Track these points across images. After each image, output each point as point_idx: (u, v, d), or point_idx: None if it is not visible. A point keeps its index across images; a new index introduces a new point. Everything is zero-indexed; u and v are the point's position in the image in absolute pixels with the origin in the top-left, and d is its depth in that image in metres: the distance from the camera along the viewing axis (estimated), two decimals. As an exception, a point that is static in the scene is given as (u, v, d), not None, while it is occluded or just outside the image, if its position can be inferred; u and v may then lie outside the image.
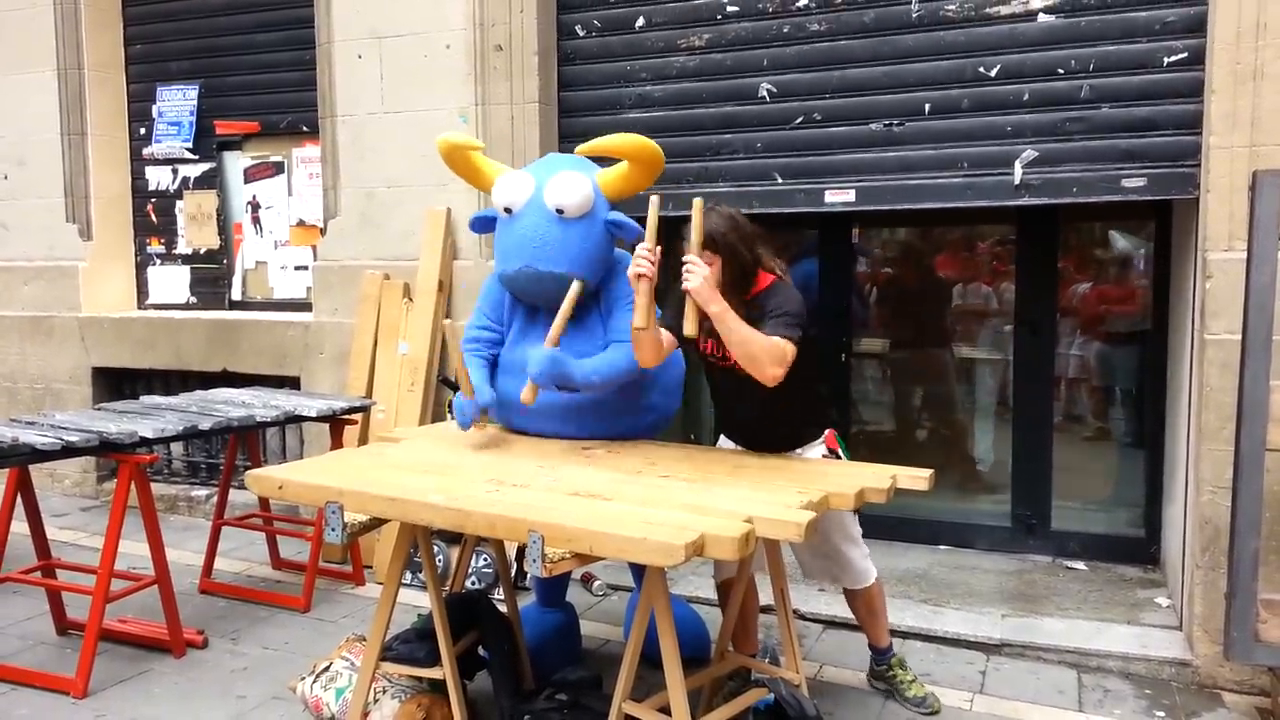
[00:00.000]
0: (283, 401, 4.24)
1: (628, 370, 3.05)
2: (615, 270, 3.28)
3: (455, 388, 4.67)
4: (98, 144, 5.94)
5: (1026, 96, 3.93)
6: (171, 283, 6.13)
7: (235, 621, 4.08)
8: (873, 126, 4.18)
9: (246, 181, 5.85)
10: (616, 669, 2.71)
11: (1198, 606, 3.52)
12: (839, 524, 3.12)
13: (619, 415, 3.20)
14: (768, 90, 4.35)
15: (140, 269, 6.21)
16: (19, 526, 3.75)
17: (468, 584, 4.02)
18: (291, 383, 5.25)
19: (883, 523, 4.62)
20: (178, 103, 5.91)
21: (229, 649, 3.80)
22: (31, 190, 6.00)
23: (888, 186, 4.16)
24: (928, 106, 4.09)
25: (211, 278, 6.01)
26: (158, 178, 6.08)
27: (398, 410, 4.78)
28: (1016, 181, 3.94)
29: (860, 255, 5.35)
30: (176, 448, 5.88)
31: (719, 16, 4.42)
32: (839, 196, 4.24)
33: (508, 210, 3.18)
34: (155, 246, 6.16)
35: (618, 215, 3.18)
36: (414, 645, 3.03)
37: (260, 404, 4.13)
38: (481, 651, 3.20)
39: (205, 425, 3.73)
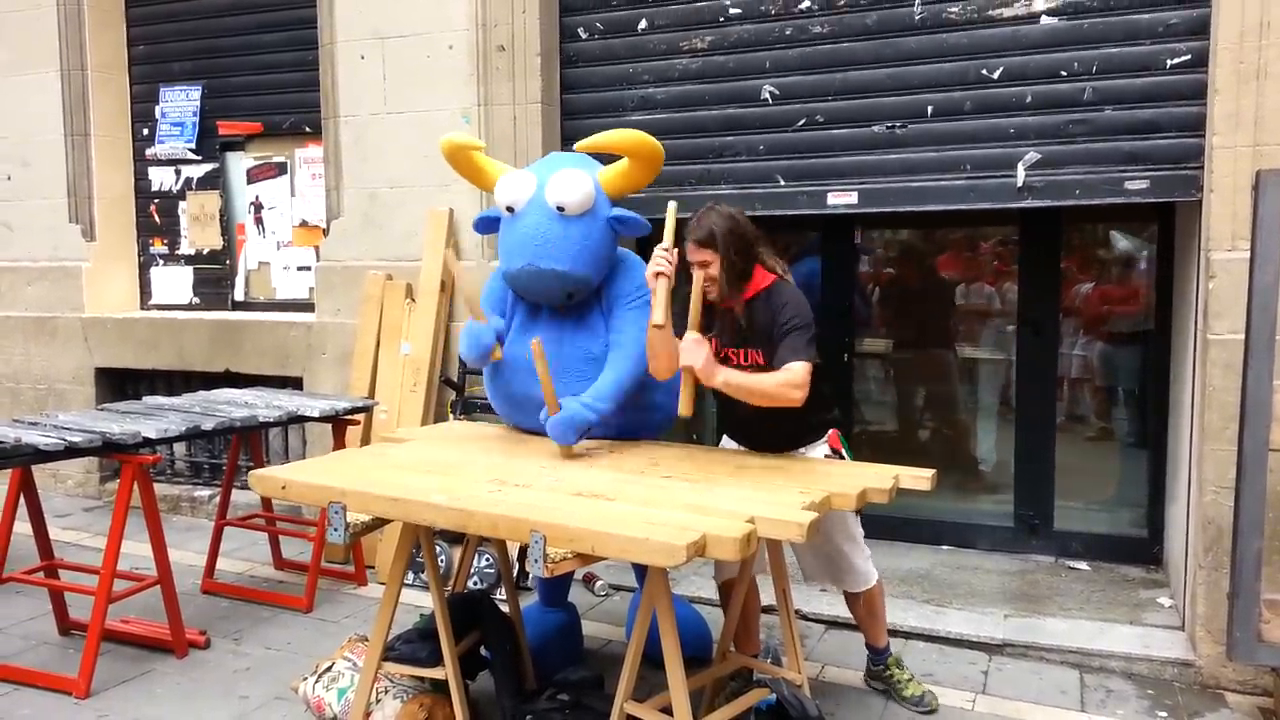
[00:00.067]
0: (285, 402, 4.24)
1: (634, 383, 3.07)
2: (619, 268, 3.28)
3: (457, 388, 4.70)
4: (101, 145, 5.95)
5: (1029, 99, 3.93)
6: (174, 283, 6.13)
7: (238, 622, 4.08)
8: (875, 129, 4.18)
9: (249, 182, 5.85)
10: (618, 669, 2.71)
11: (1200, 607, 3.52)
12: (841, 525, 3.13)
13: (625, 414, 3.20)
14: (770, 92, 4.35)
15: (143, 269, 6.22)
16: (22, 527, 3.76)
17: (470, 584, 4.03)
18: (294, 383, 5.25)
19: (885, 523, 4.62)
20: (181, 103, 5.92)
21: (231, 649, 3.81)
22: (35, 191, 6.01)
23: (890, 189, 4.16)
24: (930, 109, 4.09)
25: (214, 278, 6.02)
26: (161, 178, 6.09)
27: (400, 410, 4.78)
28: (1019, 184, 3.93)
29: (862, 255, 5.35)
30: (179, 448, 5.89)
31: (721, 19, 4.42)
32: (841, 199, 4.24)
33: (510, 209, 3.19)
34: (158, 247, 6.17)
35: (620, 211, 3.19)
36: (416, 645, 3.03)
37: (263, 404, 4.14)
38: (483, 651, 3.20)
39: (208, 426, 3.73)
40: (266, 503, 4.72)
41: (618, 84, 4.63)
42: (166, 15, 5.90)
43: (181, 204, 6.05)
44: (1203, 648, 3.51)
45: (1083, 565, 4.58)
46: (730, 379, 2.88)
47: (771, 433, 3.10)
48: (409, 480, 2.72)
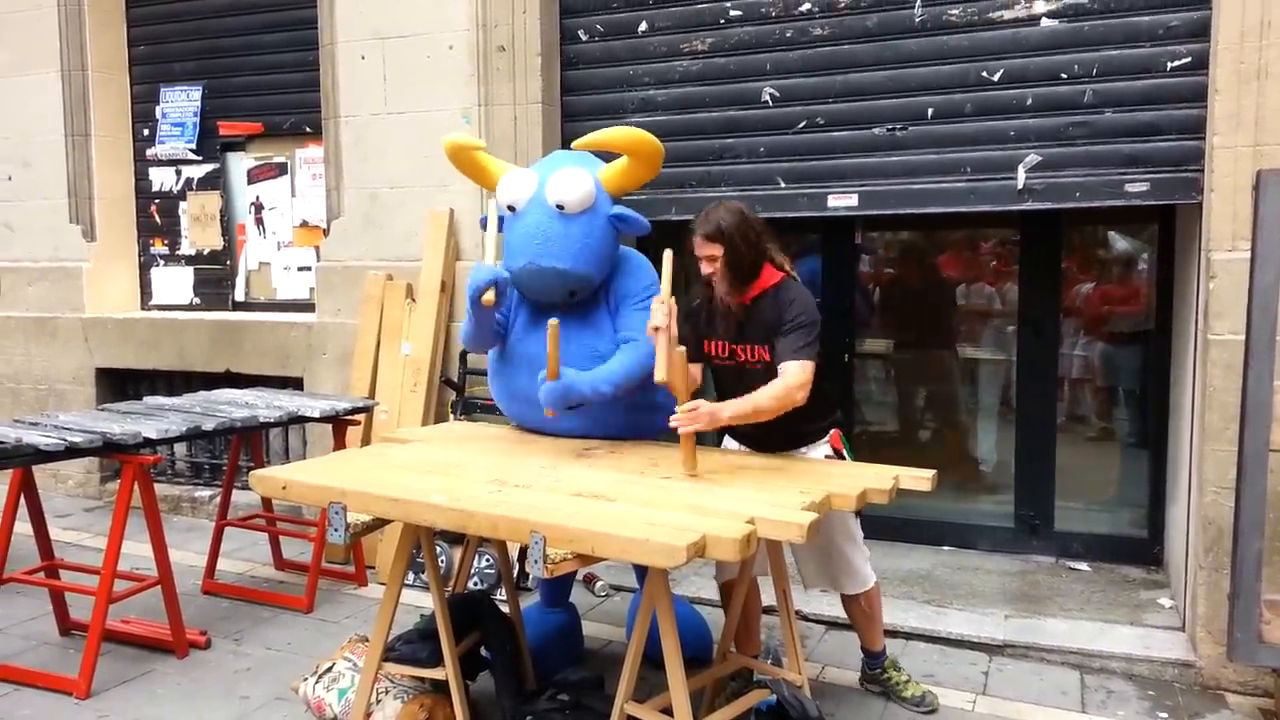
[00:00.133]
0: (286, 402, 4.24)
1: (641, 373, 3.07)
2: (624, 267, 3.29)
3: (458, 388, 4.70)
4: (101, 145, 5.95)
5: (1030, 101, 3.93)
6: (175, 283, 6.14)
7: (238, 622, 4.08)
8: (875, 131, 4.18)
9: (250, 182, 5.86)
10: (619, 670, 2.71)
11: (1201, 607, 3.52)
12: (842, 525, 3.13)
13: (629, 413, 3.20)
14: (770, 94, 4.35)
15: (144, 270, 6.22)
16: (22, 527, 3.76)
17: (470, 584, 4.03)
18: (294, 383, 5.26)
19: (886, 524, 4.63)
20: (181, 104, 5.92)
21: (232, 649, 3.81)
22: (36, 191, 6.01)
23: (890, 191, 4.16)
24: (930, 111, 4.08)
25: (215, 278, 6.02)
26: (161, 179, 6.09)
27: (400, 411, 4.78)
28: (1019, 186, 3.93)
29: (863, 255, 5.35)
30: (180, 448, 5.89)
31: (722, 21, 4.42)
32: (842, 201, 4.24)
33: (511, 209, 3.19)
34: (159, 247, 6.17)
35: (621, 209, 3.19)
36: (416, 646, 3.03)
37: (263, 405, 4.14)
38: (484, 652, 3.20)
39: (209, 426, 3.73)
40: (267, 503, 4.72)
41: (618, 86, 4.63)
42: (167, 15, 5.91)
43: (182, 204, 6.05)
44: (1203, 648, 3.51)
45: (1083, 566, 4.57)
46: (735, 411, 2.88)
47: (774, 433, 3.10)
48: (409, 481, 2.72)
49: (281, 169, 5.75)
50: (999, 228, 5.04)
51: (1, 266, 6.15)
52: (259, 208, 5.85)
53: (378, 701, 3.00)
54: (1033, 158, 3.91)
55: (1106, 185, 3.83)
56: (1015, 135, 3.95)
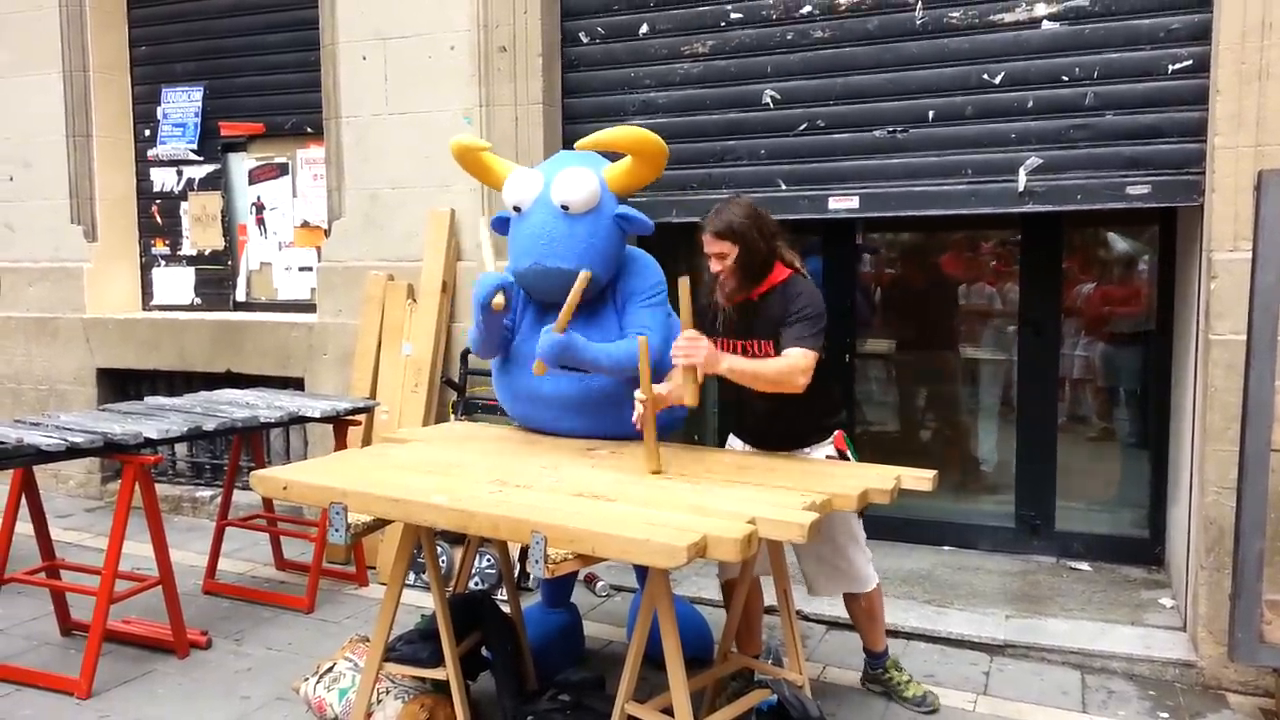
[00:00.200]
0: (287, 402, 4.25)
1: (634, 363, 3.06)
2: (630, 266, 3.29)
3: (458, 388, 4.70)
4: (103, 145, 5.95)
5: (1031, 103, 3.93)
6: (176, 284, 6.14)
7: (239, 622, 4.08)
8: (876, 133, 4.18)
9: (251, 183, 5.86)
10: (619, 670, 2.71)
11: (1202, 607, 3.51)
12: (844, 526, 3.12)
13: (630, 414, 3.19)
14: (771, 97, 4.35)
15: (145, 270, 6.22)
16: (23, 527, 3.77)
17: (471, 584, 4.03)
18: (295, 384, 5.26)
19: (887, 524, 4.62)
20: (182, 104, 5.92)
21: (233, 650, 3.81)
22: (37, 192, 6.01)
23: (891, 193, 4.16)
24: (932, 113, 4.08)
25: (216, 279, 6.02)
26: (162, 179, 6.10)
27: (401, 411, 4.79)
28: (1021, 188, 3.93)
29: (863, 255, 5.35)
30: (181, 449, 5.89)
31: (722, 23, 4.42)
32: (843, 203, 4.24)
33: (517, 209, 3.20)
34: (160, 248, 6.18)
35: (625, 209, 3.19)
36: (417, 646, 3.03)
37: (264, 405, 4.14)
38: (485, 652, 3.20)
39: (209, 426, 3.73)
40: (268, 503, 4.72)
41: (619, 88, 4.63)
42: (168, 16, 5.91)
43: (183, 205, 6.06)
44: (1204, 648, 3.51)
45: (1084, 566, 4.57)
46: (734, 364, 2.86)
47: (781, 433, 3.10)
48: (410, 481, 2.72)
49: (283, 169, 5.76)
50: (1000, 228, 5.04)
51: (2, 267, 6.15)
52: (260, 208, 5.86)
53: (378, 701, 3.00)
54: (1034, 160, 3.91)
55: (1108, 188, 3.83)
56: (1016, 138, 3.95)
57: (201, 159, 5.94)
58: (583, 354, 3.02)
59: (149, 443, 3.53)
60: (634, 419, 2.86)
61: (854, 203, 4.22)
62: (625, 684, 2.64)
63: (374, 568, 4.63)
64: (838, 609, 3.84)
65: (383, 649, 2.93)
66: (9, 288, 6.13)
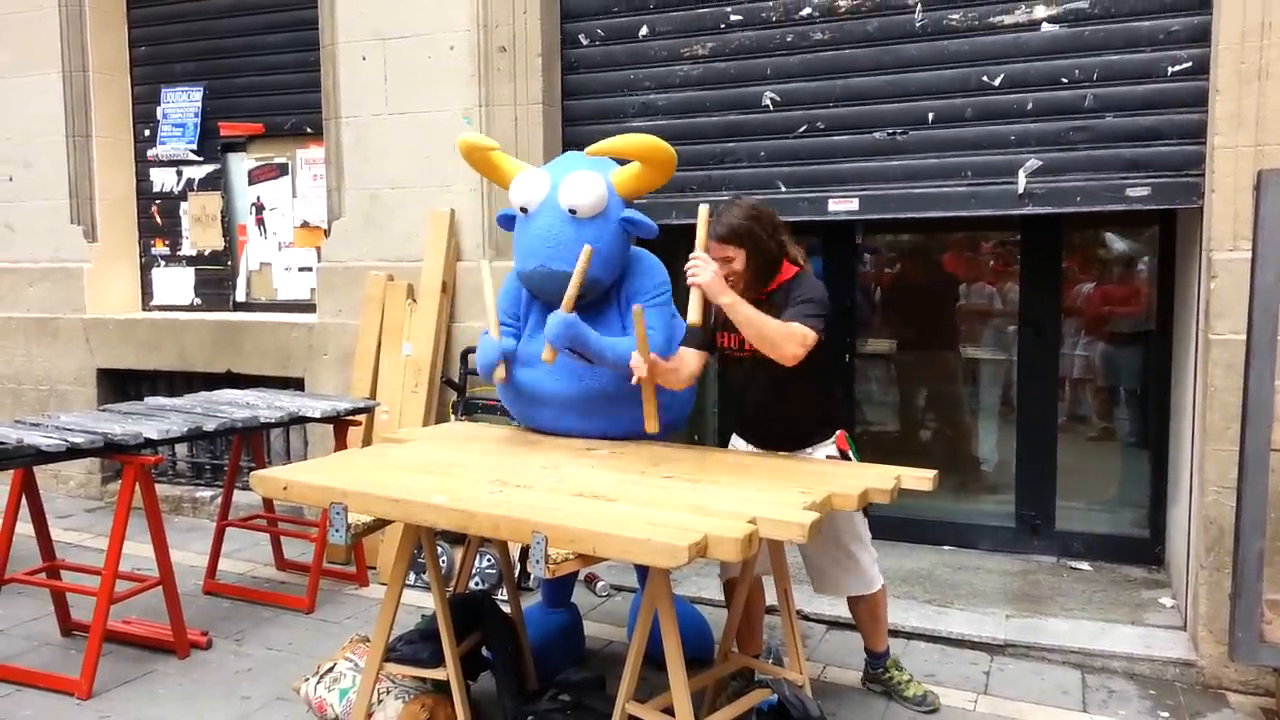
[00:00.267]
0: (287, 402, 4.25)
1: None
2: (636, 267, 3.29)
3: (459, 388, 4.71)
4: (102, 146, 5.95)
5: (1030, 105, 3.93)
6: (176, 284, 6.14)
7: (239, 622, 4.08)
8: (876, 135, 4.18)
9: (251, 183, 5.86)
10: (620, 670, 2.71)
11: (1202, 607, 3.52)
12: (849, 526, 3.12)
13: (631, 413, 3.20)
14: (771, 99, 4.35)
15: (145, 270, 6.22)
16: (24, 528, 3.76)
17: (471, 584, 4.03)
18: (295, 384, 5.26)
19: (887, 523, 4.62)
20: (182, 104, 5.92)
21: (233, 650, 3.81)
22: (37, 192, 6.01)
23: (891, 195, 4.16)
24: (931, 115, 4.08)
25: (216, 279, 6.02)
26: (162, 179, 6.10)
27: (401, 411, 4.79)
28: (1020, 190, 3.93)
29: (864, 255, 5.35)
30: (181, 449, 5.89)
31: (722, 25, 4.41)
32: (842, 205, 4.24)
33: (524, 209, 3.20)
34: (160, 248, 6.18)
35: (632, 213, 3.19)
36: (418, 646, 3.03)
37: (264, 405, 4.14)
38: (485, 652, 3.20)
39: (210, 426, 3.73)
40: (268, 503, 4.72)
41: (619, 90, 4.62)
42: (168, 17, 5.91)
43: (183, 205, 6.06)
44: (1205, 648, 3.51)
45: (1084, 565, 4.58)
46: (737, 304, 2.80)
47: (783, 433, 3.10)
48: (410, 481, 2.72)
49: (282, 169, 5.76)
50: (1000, 229, 5.04)
51: (2, 267, 6.15)
52: (260, 208, 5.86)
53: (379, 701, 3.00)
54: (1033, 162, 3.91)
55: (1107, 190, 3.83)
56: (1016, 140, 3.95)
57: (201, 159, 5.94)
58: (588, 338, 3.03)
59: (149, 443, 3.53)
60: (633, 380, 2.92)
61: (854, 205, 4.22)
62: (626, 684, 2.64)
63: (374, 568, 4.64)
64: (838, 609, 3.84)
65: (383, 649, 2.93)
66: (9, 288, 6.13)
